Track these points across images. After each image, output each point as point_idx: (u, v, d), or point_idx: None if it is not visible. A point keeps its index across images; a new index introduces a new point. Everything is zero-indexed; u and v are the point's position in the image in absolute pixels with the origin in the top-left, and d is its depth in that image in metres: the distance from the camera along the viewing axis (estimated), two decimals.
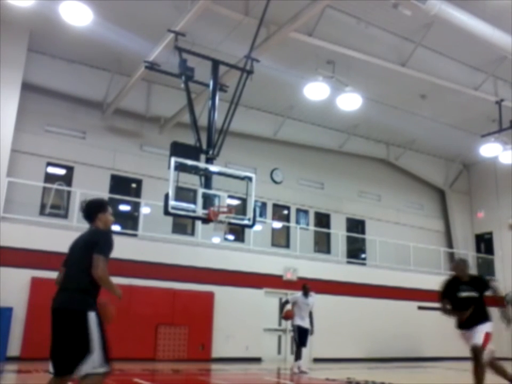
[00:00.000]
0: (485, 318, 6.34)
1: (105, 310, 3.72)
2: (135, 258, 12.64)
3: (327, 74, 12.98)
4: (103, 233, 3.90)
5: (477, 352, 6.12)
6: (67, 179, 14.41)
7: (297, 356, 11.13)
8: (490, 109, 14.97)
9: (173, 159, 8.86)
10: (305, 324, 11.05)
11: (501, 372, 6.39)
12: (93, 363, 3.41)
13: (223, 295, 13.74)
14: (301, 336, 11.03)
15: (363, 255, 19.00)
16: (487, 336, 6.22)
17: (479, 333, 6.18)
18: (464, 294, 6.41)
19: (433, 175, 21.02)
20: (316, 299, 11.49)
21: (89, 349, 3.42)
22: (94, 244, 3.72)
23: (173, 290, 13.10)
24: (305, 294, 11.26)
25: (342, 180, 19.03)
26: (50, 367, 3.64)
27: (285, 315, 11.43)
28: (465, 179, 21.79)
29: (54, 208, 13.90)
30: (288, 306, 11.37)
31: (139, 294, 12.40)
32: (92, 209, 4.03)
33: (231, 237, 15.88)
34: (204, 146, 9.72)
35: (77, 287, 3.64)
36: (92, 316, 3.53)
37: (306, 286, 11.47)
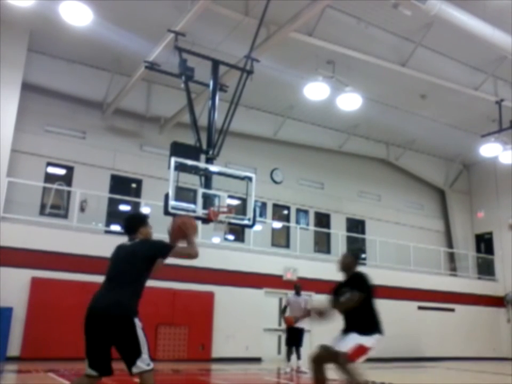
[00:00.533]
0: (359, 327, 4.79)
1: (185, 224, 4.12)
2: None
3: (327, 74, 12.97)
4: (152, 240, 4.18)
5: (338, 361, 4.62)
6: (67, 179, 14.41)
7: (288, 357, 11.09)
8: (490, 109, 14.96)
9: (173, 159, 8.86)
10: (299, 324, 10.97)
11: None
12: (145, 361, 3.75)
13: (223, 295, 13.73)
14: (295, 337, 10.97)
15: (363, 255, 18.99)
16: (360, 349, 4.69)
17: (350, 340, 4.71)
18: (342, 298, 4.94)
19: (433, 175, 21.01)
20: (312, 298, 11.44)
21: (140, 350, 3.74)
22: (153, 254, 4.00)
23: (173, 290, 13.08)
24: (297, 293, 11.23)
25: (342, 180, 19.02)
26: (90, 370, 3.80)
27: (287, 321, 11.20)
28: (465, 179, 21.78)
29: (54, 208, 13.90)
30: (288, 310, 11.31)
31: None
32: (134, 223, 4.30)
33: (231, 237, 15.88)
34: (204, 146, 9.73)
35: (127, 295, 3.86)
36: (137, 321, 3.80)
37: (297, 284, 11.48)
